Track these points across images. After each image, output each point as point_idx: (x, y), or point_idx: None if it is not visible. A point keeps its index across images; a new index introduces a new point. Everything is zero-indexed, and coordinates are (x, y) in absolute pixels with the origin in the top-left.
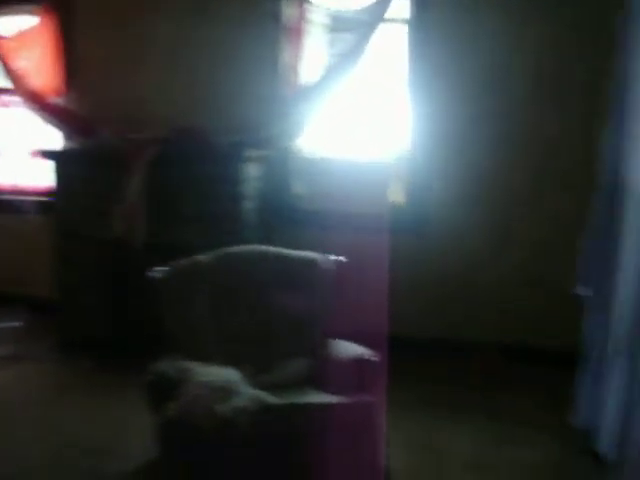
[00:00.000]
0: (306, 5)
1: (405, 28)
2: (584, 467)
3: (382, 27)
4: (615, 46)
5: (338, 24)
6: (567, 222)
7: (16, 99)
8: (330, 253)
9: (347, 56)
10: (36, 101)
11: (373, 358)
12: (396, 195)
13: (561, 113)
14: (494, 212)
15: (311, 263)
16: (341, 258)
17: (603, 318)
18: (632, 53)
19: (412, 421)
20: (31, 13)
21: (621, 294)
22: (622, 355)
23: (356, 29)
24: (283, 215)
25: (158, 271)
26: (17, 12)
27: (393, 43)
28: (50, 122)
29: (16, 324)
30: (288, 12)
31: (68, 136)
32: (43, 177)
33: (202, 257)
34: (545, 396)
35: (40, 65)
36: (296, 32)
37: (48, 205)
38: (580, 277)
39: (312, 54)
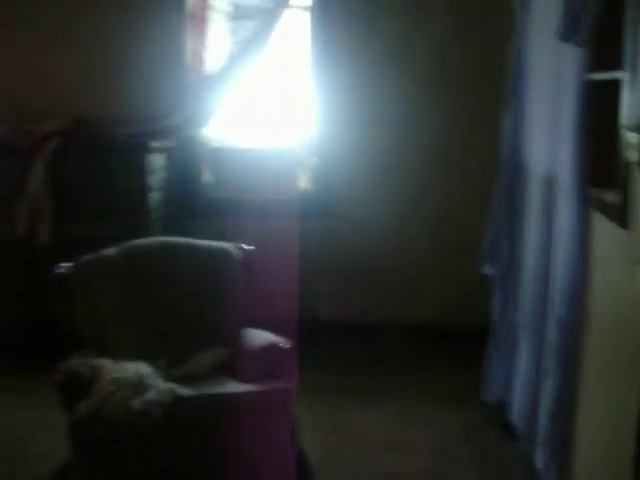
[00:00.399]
0: None
1: (307, 15)
2: (497, 440)
3: (286, 14)
4: (513, 30)
5: (242, 11)
6: (476, 202)
7: None
8: (241, 242)
9: (251, 43)
10: None
11: (285, 345)
12: (305, 181)
13: (466, 96)
14: (402, 194)
15: (221, 253)
16: (251, 247)
17: (509, 295)
18: (525, 37)
19: (329, 405)
20: None
21: (525, 271)
22: (528, 330)
23: (260, 16)
24: (192, 206)
25: (63, 267)
26: None
27: (297, 30)
28: None
29: None
30: None
31: None
32: None
33: (108, 251)
34: (460, 373)
35: None
36: (199, 20)
37: None
38: (486, 256)
39: (216, 42)
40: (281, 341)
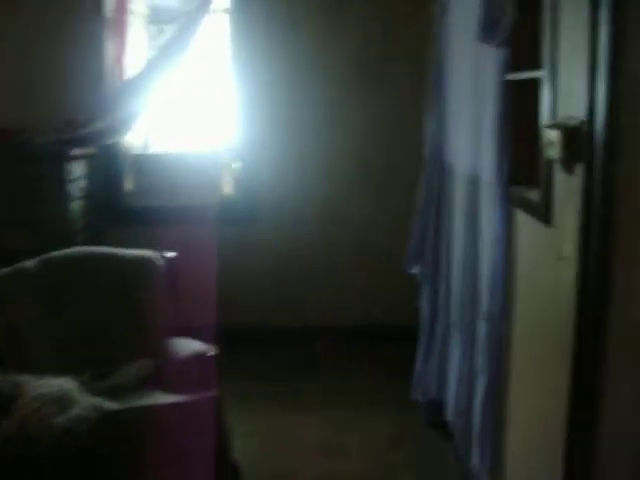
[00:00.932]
0: None
1: (227, 17)
2: (432, 440)
3: (207, 17)
4: (434, 33)
5: (162, 15)
6: (402, 204)
7: None
8: (164, 249)
9: (172, 48)
10: None
11: (212, 353)
12: (229, 186)
13: (389, 98)
14: (328, 198)
15: (144, 261)
16: (175, 254)
17: (438, 294)
18: (446, 39)
19: (262, 411)
20: None
21: (452, 270)
22: (458, 328)
23: (180, 20)
24: (115, 214)
25: None
26: None
27: (217, 33)
28: None
29: None
30: (109, 3)
31: None
32: None
33: (27, 263)
34: (390, 374)
35: None
36: (119, 24)
37: None
38: (413, 257)
39: (136, 47)
40: (207, 349)
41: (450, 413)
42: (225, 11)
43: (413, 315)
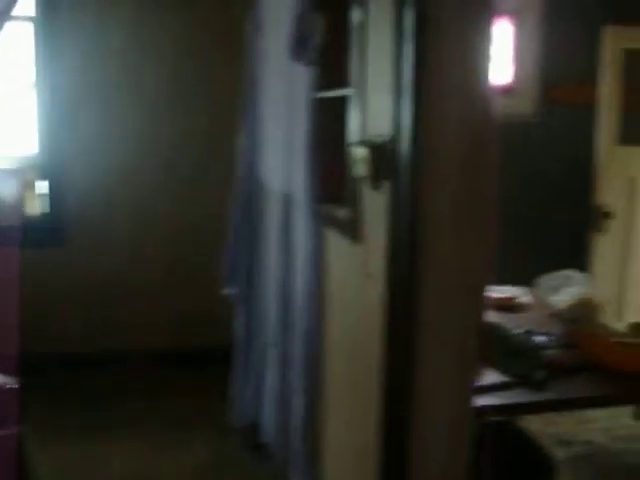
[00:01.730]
0: None
1: (31, 26)
2: (250, 464)
3: (7, 25)
4: (246, 52)
5: None
6: (217, 217)
7: None
8: None
9: None
10: None
11: (13, 385)
12: (34, 206)
13: (201, 114)
14: (138, 213)
15: None
16: None
17: (252, 314)
18: (260, 57)
19: (70, 444)
20: None
21: (267, 289)
22: (274, 348)
23: None
24: None
25: None
26: None
27: (19, 42)
28: None
29: None
30: None
31: None
32: None
33: None
34: (206, 398)
35: None
36: None
37: None
38: (227, 276)
39: None
40: (8, 381)
41: (268, 435)
42: (29, 19)
43: (230, 335)
